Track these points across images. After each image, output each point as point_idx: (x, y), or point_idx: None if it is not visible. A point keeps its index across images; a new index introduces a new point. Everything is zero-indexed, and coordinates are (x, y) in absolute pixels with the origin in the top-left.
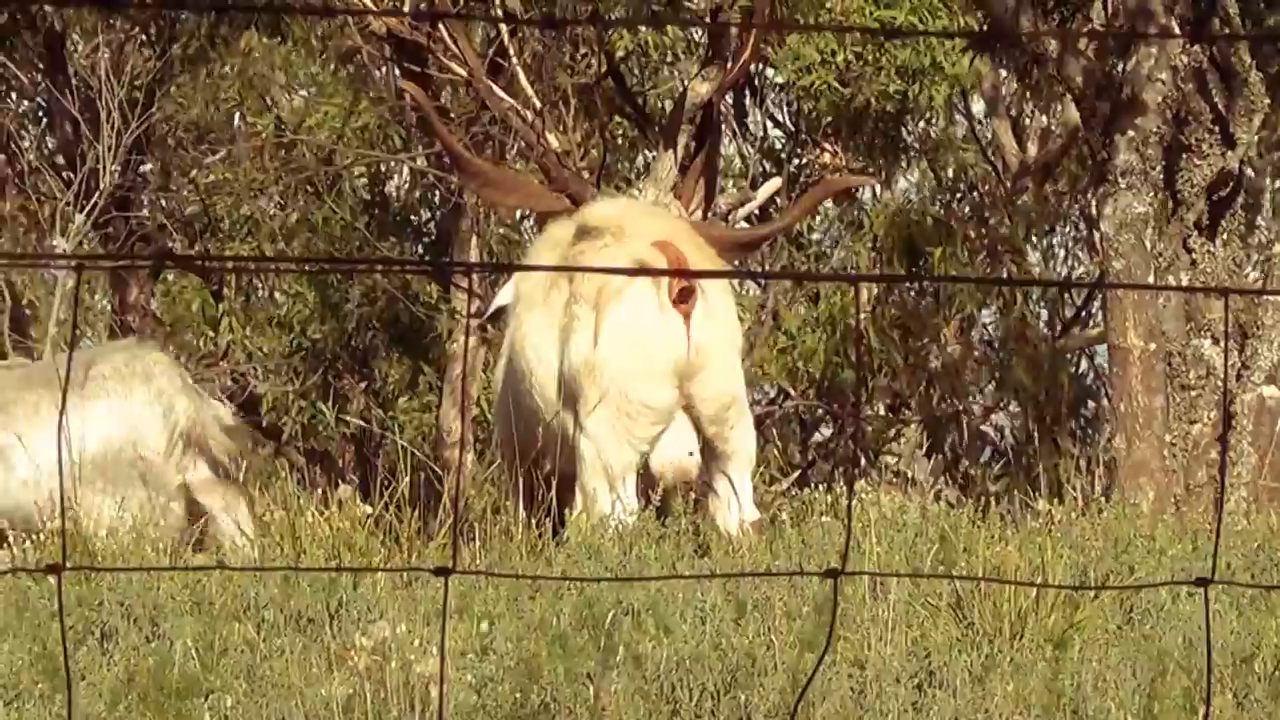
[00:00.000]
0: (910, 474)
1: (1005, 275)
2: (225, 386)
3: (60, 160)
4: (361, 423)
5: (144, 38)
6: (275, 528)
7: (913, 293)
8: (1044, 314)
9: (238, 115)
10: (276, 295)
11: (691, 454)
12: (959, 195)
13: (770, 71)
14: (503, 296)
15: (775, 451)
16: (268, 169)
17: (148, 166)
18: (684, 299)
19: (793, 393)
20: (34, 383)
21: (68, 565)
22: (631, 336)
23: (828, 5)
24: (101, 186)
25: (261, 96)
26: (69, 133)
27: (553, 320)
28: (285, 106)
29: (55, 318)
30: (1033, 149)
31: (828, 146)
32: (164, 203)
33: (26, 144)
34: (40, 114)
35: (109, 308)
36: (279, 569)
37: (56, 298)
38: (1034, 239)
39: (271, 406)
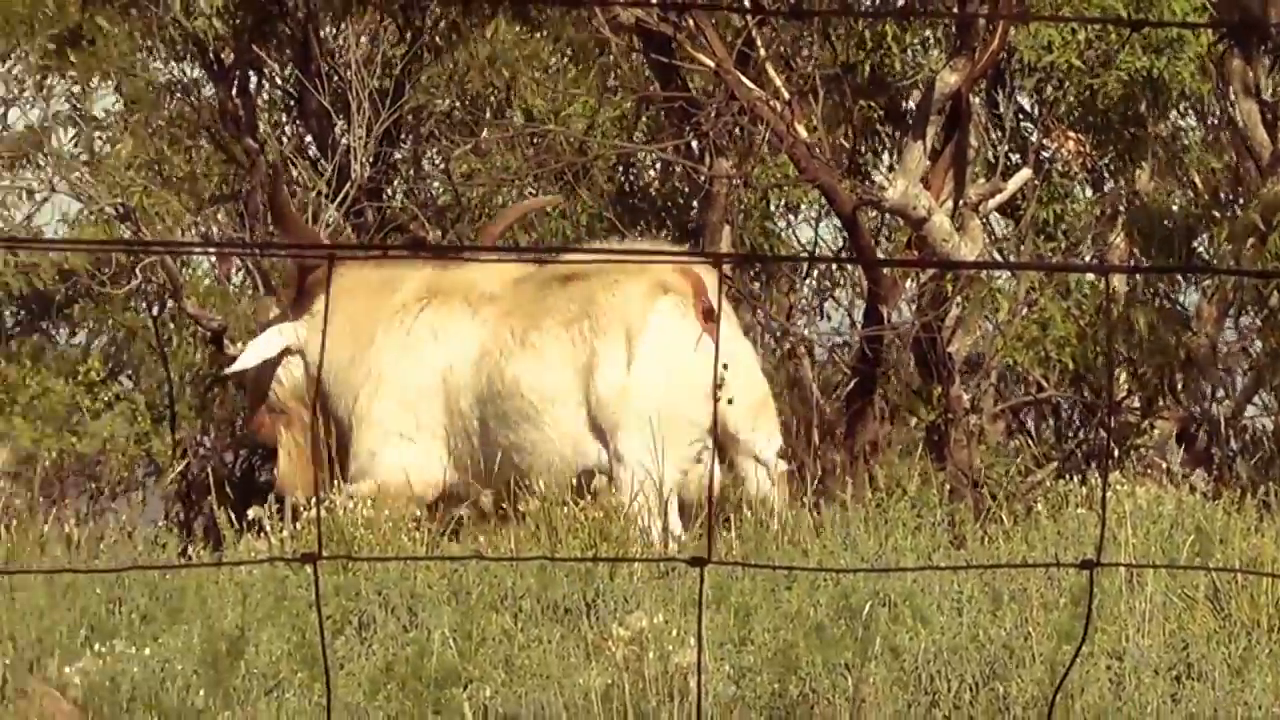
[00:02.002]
0: (1165, 465)
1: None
2: None
3: (313, 151)
4: None
5: (394, 26)
6: (531, 518)
7: (1167, 282)
8: None
9: (487, 106)
10: None
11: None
12: (1211, 184)
13: (1015, 58)
14: (264, 349)
15: (1030, 443)
16: (520, 159)
17: (399, 156)
18: (710, 318)
19: (1046, 384)
20: None
21: (324, 555)
22: (667, 359)
23: None
24: (353, 176)
25: (510, 86)
26: (320, 123)
27: (551, 359)
28: (535, 96)
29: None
30: None
31: (1071, 135)
32: (416, 192)
33: (280, 134)
34: (291, 103)
35: None
36: (536, 559)
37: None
38: None
39: None
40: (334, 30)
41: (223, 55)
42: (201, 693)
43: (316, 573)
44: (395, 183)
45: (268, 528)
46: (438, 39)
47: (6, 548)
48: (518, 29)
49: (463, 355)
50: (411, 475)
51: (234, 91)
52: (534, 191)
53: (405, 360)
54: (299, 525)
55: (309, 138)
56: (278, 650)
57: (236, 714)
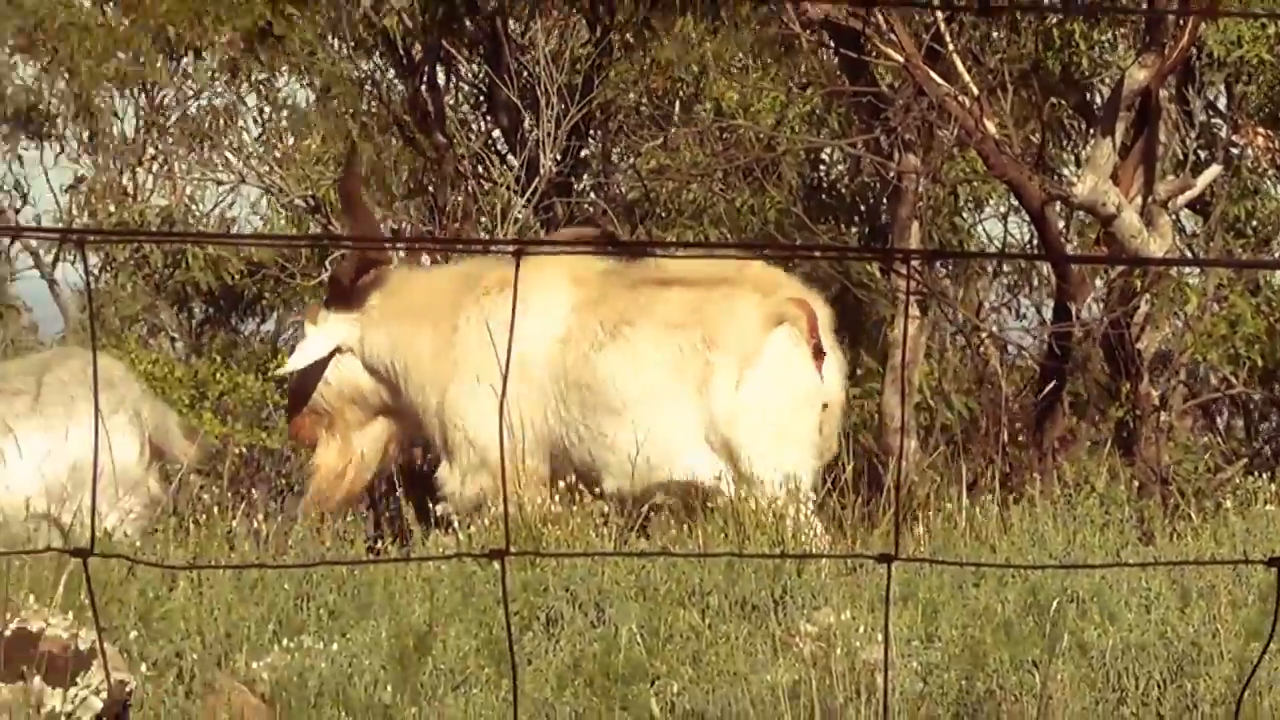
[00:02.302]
0: None
1: None
2: None
3: (501, 146)
4: None
5: (583, 22)
6: (719, 514)
7: None
8: None
9: (676, 101)
10: None
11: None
12: None
13: (1205, 54)
14: (316, 349)
15: (1219, 439)
16: (708, 154)
17: (587, 151)
18: (819, 355)
19: (1234, 381)
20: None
21: (511, 550)
22: (779, 386)
23: None
24: (541, 171)
25: (699, 81)
26: (510, 117)
27: (646, 358)
28: (723, 92)
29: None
30: None
31: (1261, 131)
32: (604, 187)
33: (468, 129)
34: (480, 99)
35: None
36: (723, 555)
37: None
38: None
39: None
40: (523, 26)
41: (412, 50)
42: (389, 688)
43: (504, 568)
44: (584, 177)
45: (455, 523)
46: (627, 36)
47: (195, 543)
48: (706, 25)
49: (547, 339)
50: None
51: (423, 86)
52: (721, 189)
53: (490, 349)
54: (487, 521)
55: (497, 132)
56: (465, 646)
57: (424, 710)
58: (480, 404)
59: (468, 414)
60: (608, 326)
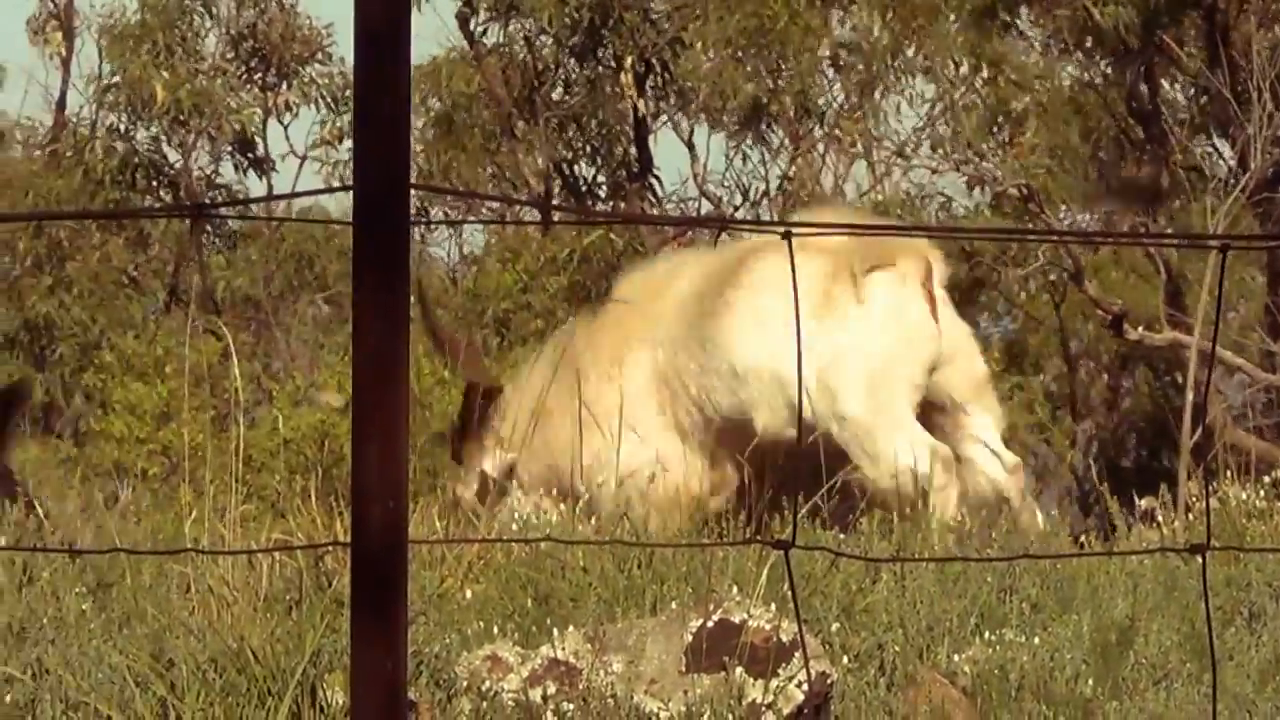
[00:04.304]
0: None
1: None
2: None
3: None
4: None
5: None
6: None
7: None
8: None
9: None
10: None
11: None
12: None
13: None
14: None
15: None
16: None
17: None
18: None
19: None
20: None
21: (1213, 545)
22: (889, 325)
23: None
24: (1250, 166)
25: None
26: (1225, 111)
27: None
28: None
29: (1206, 290)
30: None
31: None
32: None
33: (1182, 122)
34: (1200, 94)
35: (1261, 285)
36: None
37: (1207, 273)
38: None
39: None
40: (1242, 19)
41: (1128, 46)
42: (1090, 682)
43: (1205, 563)
44: None
45: (1159, 518)
46: None
47: (898, 536)
48: None
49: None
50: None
51: (1139, 79)
52: None
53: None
54: (1190, 516)
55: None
56: (1166, 641)
57: (1124, 704)
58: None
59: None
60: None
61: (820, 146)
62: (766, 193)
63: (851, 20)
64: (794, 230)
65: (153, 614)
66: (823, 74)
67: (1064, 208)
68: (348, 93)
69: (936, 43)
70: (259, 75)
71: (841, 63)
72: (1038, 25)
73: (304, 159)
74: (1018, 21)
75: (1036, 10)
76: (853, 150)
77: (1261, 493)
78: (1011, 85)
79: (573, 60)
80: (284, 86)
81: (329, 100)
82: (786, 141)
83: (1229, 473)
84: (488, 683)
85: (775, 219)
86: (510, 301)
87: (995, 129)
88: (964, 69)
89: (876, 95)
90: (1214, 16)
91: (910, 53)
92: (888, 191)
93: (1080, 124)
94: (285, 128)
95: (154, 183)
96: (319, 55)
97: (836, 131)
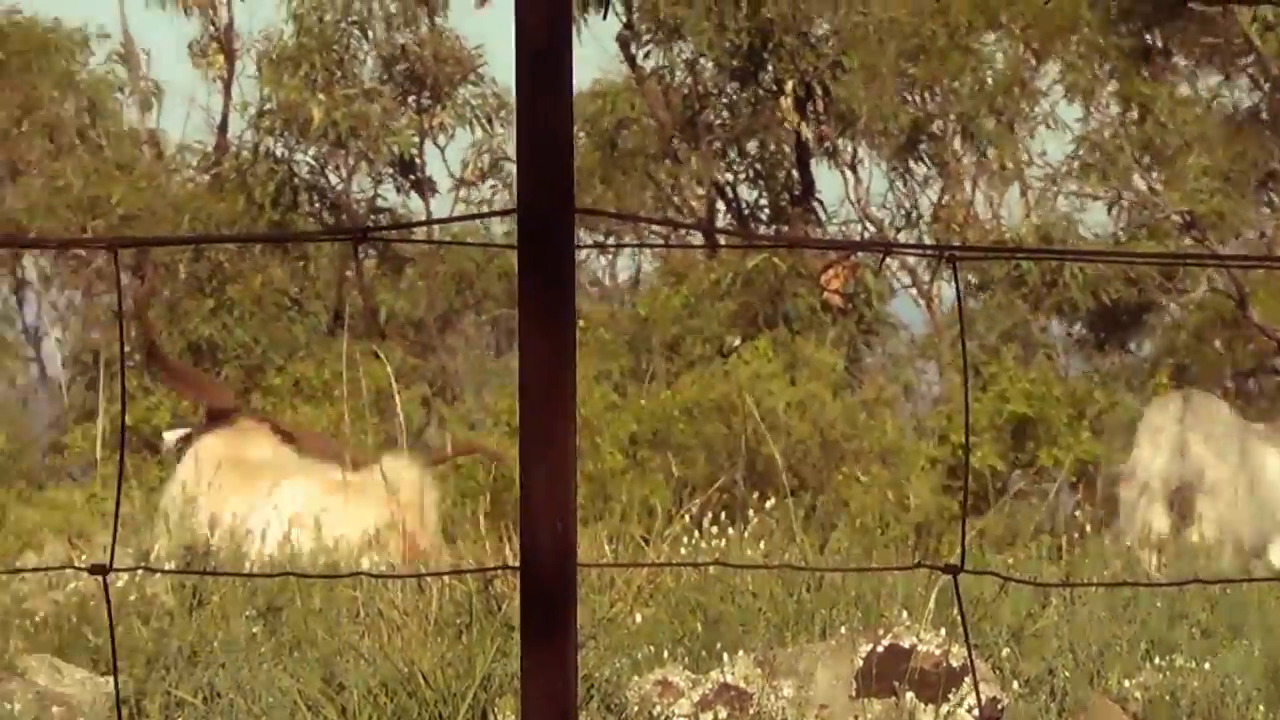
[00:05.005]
0: None
1: None
2: None
3: None
4: None
5: None
6: None
7: None
8: None
9: None
10: None
11: None
12: None
13: None
14: None
15: None
16: None
17: None
18: None
19: None
20: None
21: None
22: None
23: None
24: None
25: None
26: None
27: None
28: None
29: None
30: None
31: None
32: None
33: None
34: None
35: None
36: None
37: None
38: None
39: None
40: None
41: None
42: (1261, 708)
43: None
44: None
45: None
46: None
47: (1067, 561)
48: None
49: None
50: None
51: None
52: None
53: None
54: None
55: None
56: None
57: None
58: None
59: None
60: None
61: (972, 170)
62: (920, 216)
63: (1001, 47)
64: (956, 255)
65: (323, 637)
66: (981, 96)
67: (1233, 233)
68: (502, 113)
69: (1079, 75)
70: (413, 98)
71: (991, 86)
72: (1189, 55)
73: (459, 183)
74: (1172, 55)
75: (1189, 45)
76: (1005, 173)
77: None
78: (1159, 126)
79: (733, 84)
80: (438, 108)
81: (483, 121)
82: (940, 167)
83: None
84: (658, 707)
85: (935, 243)
86: (680, 326)
87: (1150, 157)
88: (1113, 109)
89: (1026, 122)
90: None
91: (1055, 80)
92: (1042, 217)
93: (1241, 149)
94: (442, 150)
95: (316, 205)
96: (470, 76)
97: (988, 156)
